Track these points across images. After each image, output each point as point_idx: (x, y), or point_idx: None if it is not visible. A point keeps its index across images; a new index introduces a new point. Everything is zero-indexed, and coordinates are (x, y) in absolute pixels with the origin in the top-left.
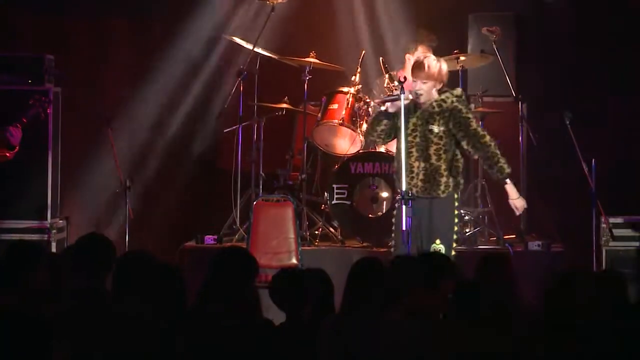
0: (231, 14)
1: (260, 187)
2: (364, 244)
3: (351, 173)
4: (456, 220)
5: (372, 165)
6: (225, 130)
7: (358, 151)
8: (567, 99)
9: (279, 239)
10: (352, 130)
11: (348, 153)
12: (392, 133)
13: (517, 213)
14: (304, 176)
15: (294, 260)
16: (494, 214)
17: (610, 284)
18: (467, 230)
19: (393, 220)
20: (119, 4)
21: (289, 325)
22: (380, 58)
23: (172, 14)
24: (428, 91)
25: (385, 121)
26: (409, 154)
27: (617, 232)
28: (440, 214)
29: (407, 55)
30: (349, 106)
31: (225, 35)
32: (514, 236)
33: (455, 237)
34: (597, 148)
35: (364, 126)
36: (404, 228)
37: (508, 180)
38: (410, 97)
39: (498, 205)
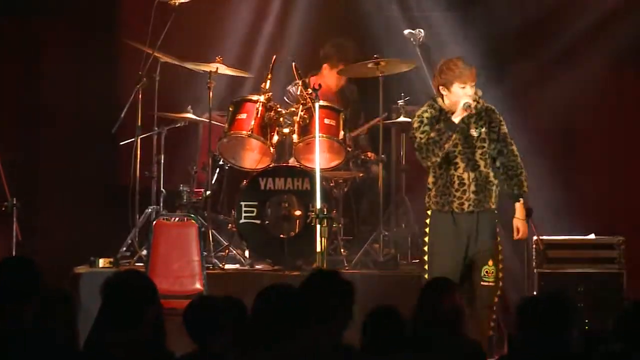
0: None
1: (161, 204)
2: (275, 267)
3: (261, 189)
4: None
5: (284, 181)
6: (121, 143)
7: (268, 165)
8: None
9: (182, 262)
10: (262, 142)
11: (257, 167)
12: None
13: (517, 236)
14: (209, 193)
15: (198, 285)
16: (417, 235)
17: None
18: (386, 252)
19: (426, 239)
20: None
21: (200, 356)
22: (293, 63)
23: (60, 14)
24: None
25: (453, 136)
26: (454, 165)
27: (551, 253)
28: (490, 230)
29: (325, 65)
30: (259, 116)
31: (124, 39)
32: None
33: (501, 257)
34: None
35: (275, 137)
36: (318, 250)
37: (521, 200)
38: (469, 102)
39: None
